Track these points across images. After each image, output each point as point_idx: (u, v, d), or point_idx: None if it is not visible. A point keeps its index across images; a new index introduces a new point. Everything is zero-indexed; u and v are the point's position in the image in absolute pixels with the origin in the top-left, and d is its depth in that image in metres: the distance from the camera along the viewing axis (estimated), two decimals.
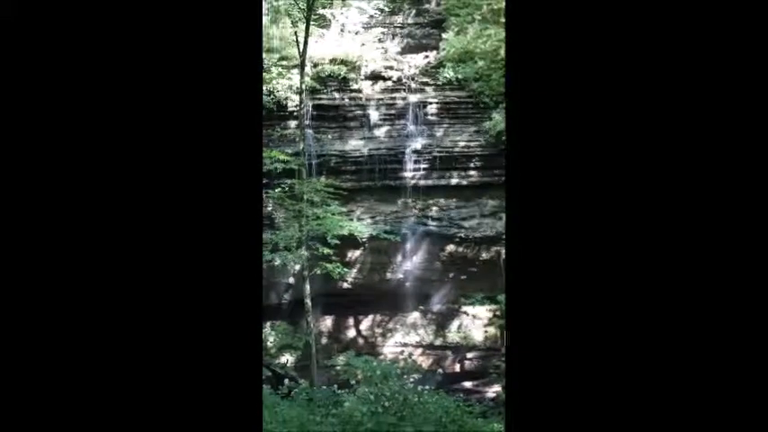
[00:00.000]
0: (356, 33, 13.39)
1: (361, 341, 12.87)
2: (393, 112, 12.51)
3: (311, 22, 10.41)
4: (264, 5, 11.70)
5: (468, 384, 12.30)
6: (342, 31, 13.30)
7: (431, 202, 12.25)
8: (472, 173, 12.28)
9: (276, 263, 9.66)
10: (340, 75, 12.49)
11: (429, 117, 12.49)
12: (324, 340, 12.53)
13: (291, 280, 11.94)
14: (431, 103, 12.52)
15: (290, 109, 11.88)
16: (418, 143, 12.20)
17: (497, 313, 12.02)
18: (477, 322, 12.77)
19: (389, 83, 12.77)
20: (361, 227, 10.98)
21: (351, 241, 10.89)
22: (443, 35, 13.40)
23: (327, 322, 12.85)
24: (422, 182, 12.13)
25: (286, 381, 9.07)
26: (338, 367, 10.16)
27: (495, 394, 11.10)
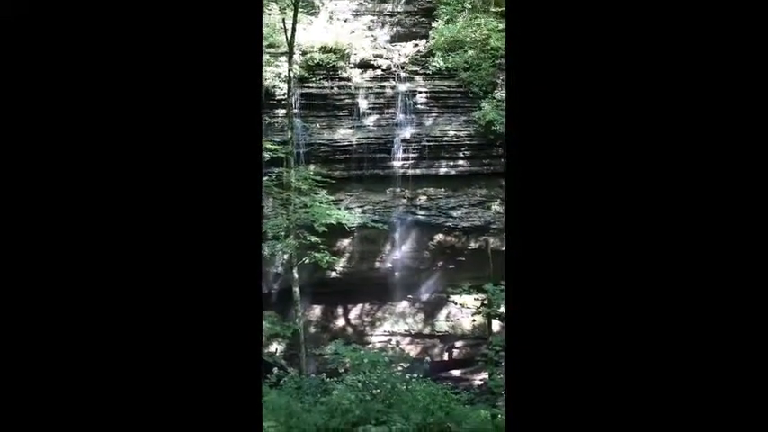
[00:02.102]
0: (345, 21, 13.28)
1: (349, 330, 12.91)
2: (382, 100, 12.46)
3: (299, 9, 10.31)
4: None
5: (455, 372, 12.41)
6: (331, 18, 13.18)
7: (419, 191, 12.26)
8: (461, 162, 12.30)
9: (264, 252, 9.63)
10: (329, 63, 12.40)
11: (418, 106, 12.46)
12: (312, 329, 12.55)
13: (280, 269, 11.91)
14: (420, 93, 12.49)
15: (278, 97, 11.78)
16: (407, 132, 12.18)
17: (485, 302, 12.10)
18: (465, 311, 12.84)
19: (379, 71, 12.71)
20: (349, 215, 10.98)
21: (339, 230, 10.88)
22: (433, 24, 13.33)
23: (316, 311, 12.86)
24: (410, 171, 12.13)
25: (275, 369, 9.09)
26: (327, 356, 10.18)
27: (482, 382, 11.21)
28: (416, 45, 13.26)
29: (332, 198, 10.96)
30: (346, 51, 12.62)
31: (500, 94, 12.03)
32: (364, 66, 12.74)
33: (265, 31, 12.05)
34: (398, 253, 12.38)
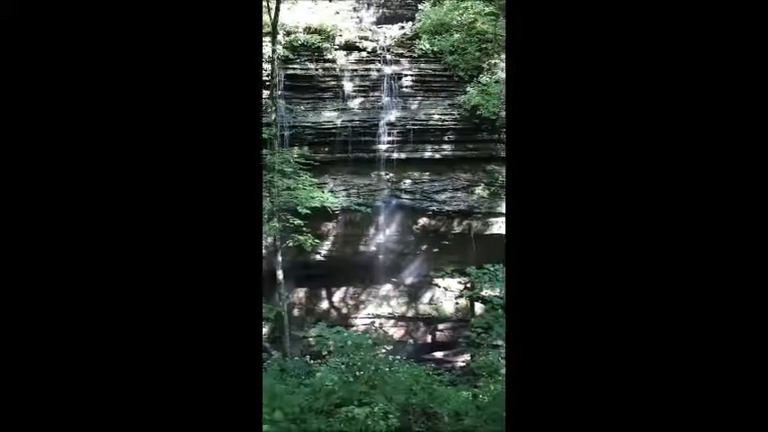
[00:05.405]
0: (330, 1, 13.09)
1: (333, 313, 12.95)
2: (367, 83, 12.36)
3: None
4: None
5: (438, 354, 12.55)
6: None
7: (404, 175, 12.25)
8: (446, 146, 12.29)
9: None
10: (313, 44, 12.23)
11: (404, 89, 12.38)
12: (296, 312, 12.56)
13: (263, 252, 11.87)
14: (406, 75, 12.40)
15: (261, 78, 11.61)
16: (392, 116, 12.11)
17: (468, 286, 12.22)
18: (448, 294, 12.96)
19: (364, 54, 12.58)
20: (334, 198, 10.94)
21: (323, 214, 10.85)
22: (419, 6, 13.21)
23: (300, 294, 12.87)
24: (395, 155, 12.09)
25: None
26: (310, 338, 10.23)
27: (464, 363, 11.36)
28: (402, 27, 13.13)
29: (316, 181, 10.90)
30: (331, 32, 12.45)
31: (486, 78, 12.01)
32: (349, 48, 12.59)
33: None
34: (382, 236, 12.40)
